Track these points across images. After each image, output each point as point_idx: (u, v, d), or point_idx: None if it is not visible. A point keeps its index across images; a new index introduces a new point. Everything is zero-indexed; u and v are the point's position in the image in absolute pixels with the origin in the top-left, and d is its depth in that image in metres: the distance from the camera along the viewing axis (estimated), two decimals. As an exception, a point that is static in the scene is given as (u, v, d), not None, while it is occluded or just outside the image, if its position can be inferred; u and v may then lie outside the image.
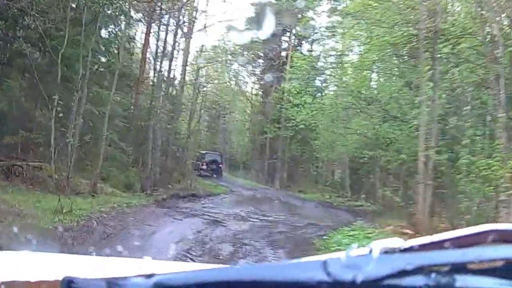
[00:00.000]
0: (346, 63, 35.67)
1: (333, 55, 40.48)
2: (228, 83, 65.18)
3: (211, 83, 59.87)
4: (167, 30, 35.39)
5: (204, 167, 46.29)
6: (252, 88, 62.48)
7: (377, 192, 35.93)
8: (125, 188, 25.83)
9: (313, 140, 47.69)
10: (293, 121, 43.65)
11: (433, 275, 1.09)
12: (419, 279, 1.09)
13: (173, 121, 34.98)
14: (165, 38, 35.35)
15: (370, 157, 34.45)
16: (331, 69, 38.98)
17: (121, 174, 26.91)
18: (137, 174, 29.02)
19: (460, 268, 1.13)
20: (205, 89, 65.99)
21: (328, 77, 46.26)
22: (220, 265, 1.79)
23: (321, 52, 50.20)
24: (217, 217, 21.42)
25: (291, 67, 43.77)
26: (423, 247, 1.25)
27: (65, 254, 2.76)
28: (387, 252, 1.18)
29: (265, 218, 24.80)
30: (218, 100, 64.59)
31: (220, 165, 50.00)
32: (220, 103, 64.78)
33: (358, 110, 32.99)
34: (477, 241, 1.26)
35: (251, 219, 23.32)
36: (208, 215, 22.01)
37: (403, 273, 1.09)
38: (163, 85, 34.11)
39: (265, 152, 53.22)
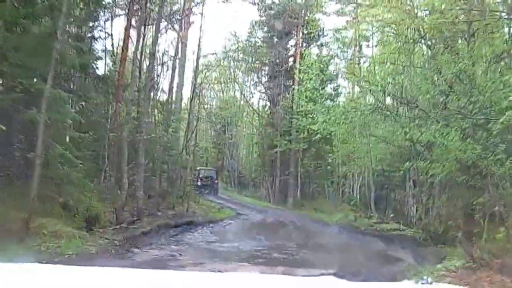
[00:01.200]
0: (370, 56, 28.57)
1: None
2: (232, 94, 58.91)
3: (211, 85, 53.72)
4: (145, 24, 28.14)
5: (199, 183, 43.45)
6: (259, 98, 55.60)
7: (410, 211, 28.43)
8: (89, 222, 18.38)
9: (328, 153, 42.07)
10: (306, 132, 38.70)
11: None
12: None
13: (162, 133, 27.56)
14: (143, 32, 28.02)
15: (400, 170, 27.17)
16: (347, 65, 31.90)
17: (84, 202, 19.25)
18: (111, 201, 21.59)
19: None
20: (208, 101, 60.72)
21: (344, 77, 40.31)
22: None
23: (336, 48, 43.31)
24: (206, 267, 13.81)
25: (301, 65, 37.42)
26: None
27: (46, 265, 2.91)
28: None
29: (278, 257, 17.83)
30: (224, 114, 59.91)
31: (216, 181, 47.40)
32: (225, 116, 59.56)
33: (388, 113, 25.71)
34: None
35: (258, 263, 15.93)
36: (194, 263, 14.57)
37: None
38: (144, 91, 26.66)
39: (275, 168, 46.05)
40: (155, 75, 30.02)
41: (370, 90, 26.23)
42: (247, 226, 27.87)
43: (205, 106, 59.22)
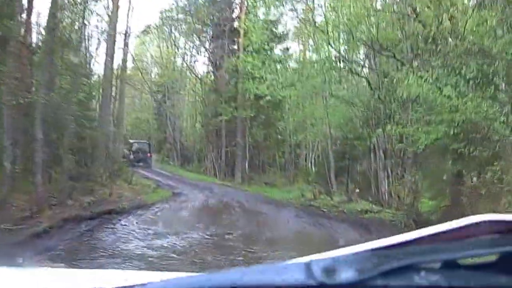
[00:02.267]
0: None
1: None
2: (173, 59, 53.00)
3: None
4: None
5: (132, 157, 40.97)
6: (203, 63, 50.46)
7: (381, 187, 23.19)
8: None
9: (278, 120, 38.47)
10: (254, 97, 34.77)
11: (422, 272, 0.97)
12: (408, 277, 0.97)
13: (70, 100, 21.29)
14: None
15: (370, 136, 22.09)
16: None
17: None
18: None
19: (452, 264, 1.00)
20: (148, 69, 58.24)
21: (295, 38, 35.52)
22: (205, 273, 1.14)
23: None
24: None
25: (247, 16, 32.30)
26: (411, 243, 1.08)
27: (46, 268, 2.54)
28: (372, 250, 1.05)
29: (217, 264, 12.36)
30: (163, 81, 54.44)
31: (148, 154, 44.50)
32: (165, 84, 53.54)
33: (353, 66, 20.69)
34: (467, 234, 1.08)
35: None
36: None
37: (390, 271, 0.96)
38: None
39: (220, 138, 40.33)
40: (66, 31, 23.78)
41: (329, 41, 20.89)
42: (185, 211, 22.55)
43: (145, 76, 55.93)
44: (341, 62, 21.74)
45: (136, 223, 19.00)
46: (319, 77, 22.77)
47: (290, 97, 29.79)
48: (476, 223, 1.07)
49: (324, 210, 22.64)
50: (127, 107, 61.14)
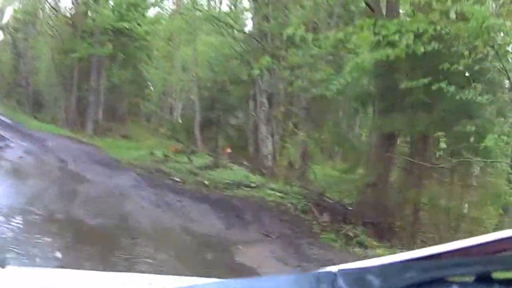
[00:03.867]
0: None
1: None
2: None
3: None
4: None
5: None
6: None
7: (262, 147, 15.78)
8: None
9: (144, 62, 30.56)
10: (112, 32, 27.88)
11: (454, 286, 0.91)
12: None
13: None
14: None
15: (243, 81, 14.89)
16: None
17: None
18: None
19: (486, 277, 0.94)
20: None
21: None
22: (225, 279, 1.14)
23: None
24: None
25: None
26: (441, 256, 1.02)
27: (68, 270, 2.28)
28: (401, 262, 1.00)
29: None
30: (24, 17, 44.47)
31: None
32: (26, 20, 44.02)
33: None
34: (499, 248, 1.02)
35: None
36: None
37: (421, 284, 0.91)
38: None
39: (73, 82, 31.62)
40: None
41: None
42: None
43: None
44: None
45: None
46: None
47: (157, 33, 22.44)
48: (508, 237, 0.99)
49: (177, 178, 14.81)
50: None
